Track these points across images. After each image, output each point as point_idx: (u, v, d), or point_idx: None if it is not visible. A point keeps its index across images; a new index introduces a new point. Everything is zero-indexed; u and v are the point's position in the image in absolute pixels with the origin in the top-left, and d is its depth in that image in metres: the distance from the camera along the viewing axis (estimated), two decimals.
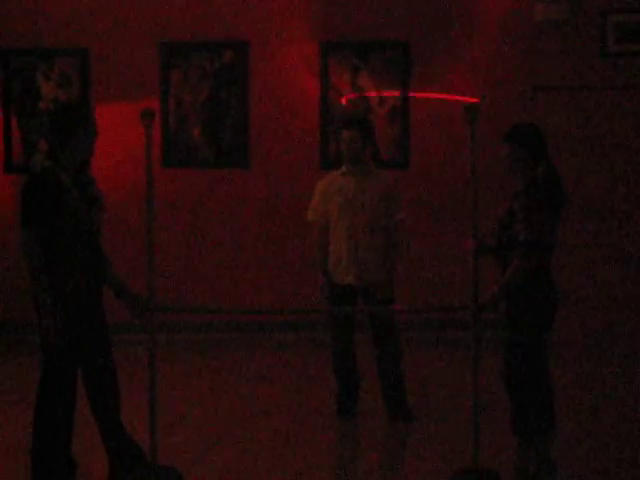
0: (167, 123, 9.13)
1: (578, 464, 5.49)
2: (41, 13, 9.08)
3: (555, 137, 7.50)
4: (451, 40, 9.04)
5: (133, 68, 9.12)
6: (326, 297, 6.42)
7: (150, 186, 5.01)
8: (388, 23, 9.05)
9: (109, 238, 5.54)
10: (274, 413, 6.66)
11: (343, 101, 8.97)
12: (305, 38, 9.10)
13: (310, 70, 9.13)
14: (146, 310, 5.02)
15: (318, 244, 6.49)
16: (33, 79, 9.12)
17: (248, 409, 6.78)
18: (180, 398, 7.01)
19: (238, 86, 9.14)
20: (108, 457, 5.13)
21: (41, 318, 4.79)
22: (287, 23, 9.09)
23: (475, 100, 6.66)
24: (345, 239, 6.35)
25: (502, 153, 5.20)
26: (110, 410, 5.07)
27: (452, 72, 9.05)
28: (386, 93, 9.06)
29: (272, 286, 9.12)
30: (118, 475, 5.10)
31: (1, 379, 7.81)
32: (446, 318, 8.92)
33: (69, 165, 4.92)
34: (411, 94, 8.98)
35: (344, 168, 6.45)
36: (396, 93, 9.04)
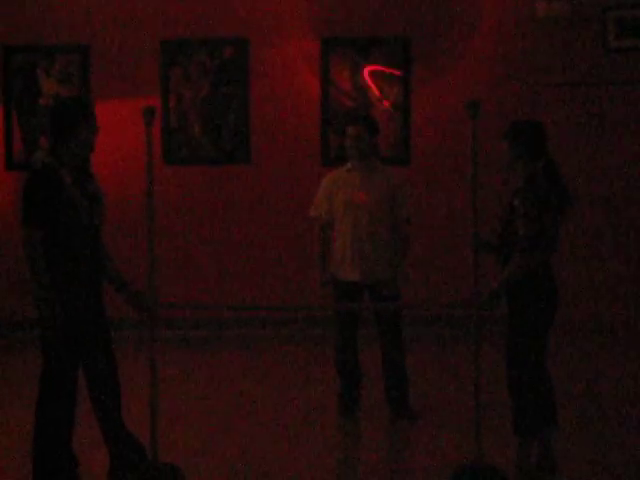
0: (168, 120, 9.13)
1: (578, 462, 5.49)
2: (42, 10, 9.08)
3: (556, 133, 7.50)
4: (452, 37, 9.03)
5: (134, 65, 9.11)
6: (329, 294, 6.40)
7: (151, 183, 5.00)
8: (389, 20, 9.04)
9: (110, 234, 5.56)
10: (276, 410, 6.65)
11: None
12: (306, 34, 9.09)
13: (310, 66, 9.12)
14: (148, 307, 5.02)
15: (319, 240, 6.48)
16: (34, 76, 9.11)
17: (250, 406, 6.77)
18: (181, 395, 7.01)
19: (239, 83, 9.13)
20: (109, 454, 5.14)
21: (41, 314, 4.79)
22: (287, 19, 9.08)
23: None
24: (350, 236, 6.32)
25: (502, 149, 5.23)
26: (111, 407, 5.08)
27: (454, 69, 9.04)
28: (387, 90, 9.06)
29: (274, 282, 9.11)
30: (119, 472, 5.10)
31: (1, 378, 7.80)
32: (445, 315, 8.91)
33: (70, 161, 4.91)
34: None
35: (349, 164, 6.42)
36: (397, 90, 9.02)
